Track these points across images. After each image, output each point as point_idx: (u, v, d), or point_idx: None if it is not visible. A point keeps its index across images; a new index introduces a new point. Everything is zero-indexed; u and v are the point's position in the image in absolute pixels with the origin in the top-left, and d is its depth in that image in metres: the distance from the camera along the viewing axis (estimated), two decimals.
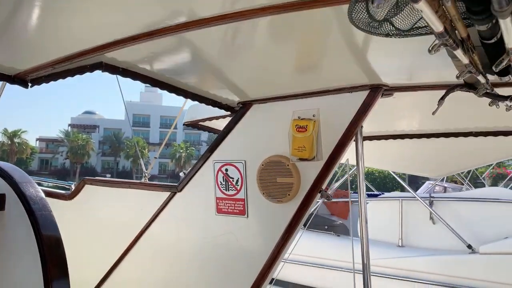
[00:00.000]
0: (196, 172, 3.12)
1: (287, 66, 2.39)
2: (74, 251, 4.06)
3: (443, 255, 6.09)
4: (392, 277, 6.15)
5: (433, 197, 6.67)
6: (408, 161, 5.82)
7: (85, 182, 3.72)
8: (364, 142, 2.70)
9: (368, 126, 2.79)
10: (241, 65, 2.43)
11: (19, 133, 65.64)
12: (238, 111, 2.96)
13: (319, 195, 2.66)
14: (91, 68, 2.22)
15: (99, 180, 3.71)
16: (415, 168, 6.73)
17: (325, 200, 2.61)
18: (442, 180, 10.80)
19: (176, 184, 3.26)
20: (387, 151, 4.57)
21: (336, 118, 2.58)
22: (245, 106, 2.91)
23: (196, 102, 3.15)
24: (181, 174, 11.68)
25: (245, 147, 2.93)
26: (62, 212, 3.96)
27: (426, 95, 2.55)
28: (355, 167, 2.78)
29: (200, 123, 3.92)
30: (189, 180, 3.16)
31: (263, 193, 2.77)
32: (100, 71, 2.22)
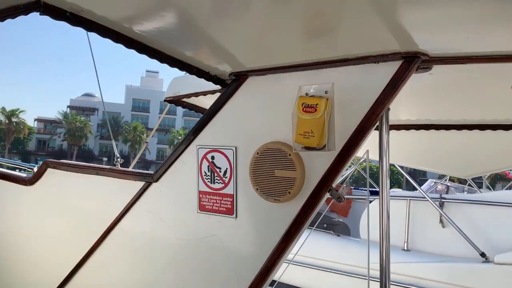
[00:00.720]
0: (176, 159, 2.54)
1: (293, 27, 1.80)
2: (30, 247, 3.50)
3: (453, 262, 5.52)
4: (396, 283, 5.59)
5: (444, 199, 6.09)
6: (433, 157, 5.11)
7: (48, 165, 3.13)
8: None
9: (392, 111, 2.19)
10: (234, 24, 1.84)
11: (17, 112, 64.97)
12: (229, 85, 2.36)
13: (327, 194, 2.08)
14: (26, 8, 1.63)
15: (63, 164, 3.11)
16: (440, 166, 5.98)
17: (336, 201, 2.01)
18: (444, 178, 10.19)
19: (152, 172, 2.68)
20: (405, 143, 3.96)
21: (356, 96, 1.99)
22: (239, 78, 2.32)
23: (181, 74, 2.56)
24: None
25: (237, 130, 2.34)
26: (19, 199, 3.39)
27: (476, 70, 1.96)
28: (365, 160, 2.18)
29: (184, 99, 3.26)
30: (167, 168, 2.57)
31: (257, 189, 2.20)
32: (38, 13, 1.62)
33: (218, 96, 2.40)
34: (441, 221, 5.94)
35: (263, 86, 2.27)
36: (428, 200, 5.88)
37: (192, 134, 2.47)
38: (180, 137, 69.91)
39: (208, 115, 2.42)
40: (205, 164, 2.43)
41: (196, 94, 3.00)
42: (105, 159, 64.74)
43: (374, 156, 2.39)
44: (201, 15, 1.79)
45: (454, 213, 5.84)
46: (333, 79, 2.04)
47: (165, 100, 3.35)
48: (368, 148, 2.37)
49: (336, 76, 2.04)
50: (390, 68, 1.91)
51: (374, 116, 1.93)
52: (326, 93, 2.04)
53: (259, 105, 2.28)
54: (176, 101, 3.31)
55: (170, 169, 2.57)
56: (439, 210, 5.82)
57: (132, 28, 1.89)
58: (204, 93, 2.93)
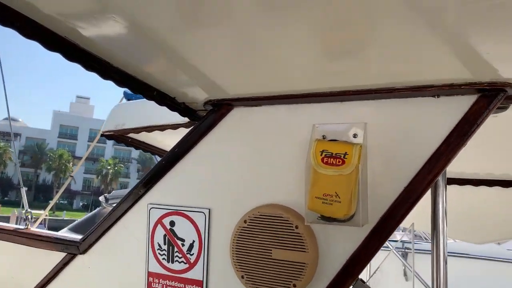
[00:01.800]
0: (115, 222, 1.73)
1: (306, 39, 1.13)
2: None
3: None
4: None
5: (408, 249, 5.61)
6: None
7: None
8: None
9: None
10: (216, 31, 1.13)
11: None
12: (204, 118, 1.62)
13: None
14: None
15: None
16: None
17: None
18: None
19: (77, 239, 1.83)
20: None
21: (402, 143, 1.34)
22: (219, 109, 1.58)
23: (125, 101, 1.79)
24: (101, 199, 9.39)
25: (213, 183, 1.60)
26: None
27: None
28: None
29: (131, 134, 2.38)
30: (100, 235, 1.75)
31: (242, 277, 1.45)
32: None
33: (186, 133, 1.63)
34: (405, 274, 5.44)
35: (256, 122, 1.55)
36: (391, 250, 5.36)
37: (142, 187, 1.68)
38: (109, 167, 66.81)
39: (169, 159, 1.64)
40: (159, 232, 1.64)
41: (150, 129, 2.13)
42: (25, 188, 59.95)
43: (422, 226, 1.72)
44: (165, 19, 1.07)
45: (419, 264, 5.32)
46: (365, 117, 1.37)
47: (103, 135, 2.43)
48: (414, 219, 1.70)
49: (370, 113, 1.38)
50: (457, 105, 1.27)
51: (432, 175, 1.27)
52: (355, 137, 1.36)
53: (249, 149, 1.56)
54: (119, 136, 2.42)
55: (104, 237, 1.75)
56: (403, 261, 5.29)
57: (59, 19, 1.11)
58: (162, 128, 2.10)
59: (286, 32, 1.09)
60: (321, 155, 1.33)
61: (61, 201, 65.11)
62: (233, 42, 1.19)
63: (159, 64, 1.40)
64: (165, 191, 1.65)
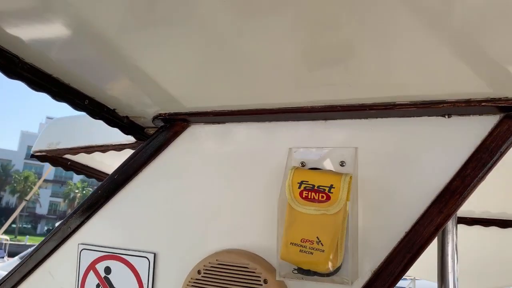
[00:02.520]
0: (36, 267, 1.36)
1: (281, 42, 0.84)
2: None
3: None
4: None
5: None
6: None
7: None
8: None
9: None
10: (169, 31, 0.84)
11: None
12: (152, 136, 1.29)
13: None
14: None
15: None
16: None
17: None
18: None
19: None
20: None
21: (404, 175, 1.04)
22: (172, 125, 1.26)
23: (62, 116, 1.47)
24: None
25: (160, 221, 1.26)
26: None
27: None
28: None
29: (68, 155, 1.93)
30: (16, 285, 1.37)
31: None
32: None
33: (129, 155, 1.30)
34: None
35: (217, 143, 1.23)
36: None
37: (72, 222, 1.33)
38: (77, 191, 64.78)
39: (106, 188, 1.30)
40: (91, 281, 1.28)
41: (89, 149, 1.73)
42: None
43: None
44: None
45: None
46: (355, 140, 1.08)
47: (32, 156, 2.02)
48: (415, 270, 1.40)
49: (362, 135, 1.08)
50: (474, 128, 0.99)
51: (441, 217, 0.98)
52: (342, 165, 1.07)
53: (207, 177, 1.23)
54: (54, 158, 2.02)
55: (23, 286, 1.37)
56: None
57: None
58: (104, 149, 1.74)
59: (257, 30, 0.80)
60: (299, 187, 1.03)
61: (24, 225, 62.56)
62: (192, 42, 0.89)
63: (92, 65, 1.07)
64: (100, 229, 1.31)
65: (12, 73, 0.95)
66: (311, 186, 1.02)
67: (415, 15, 0.72)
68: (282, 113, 1.13)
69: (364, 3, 0.69)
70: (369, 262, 1.02)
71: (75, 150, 1.74)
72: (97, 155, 1.76)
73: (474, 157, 0.97)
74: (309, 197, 1.01)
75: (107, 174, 2.28)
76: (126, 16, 0.82)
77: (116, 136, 1.48)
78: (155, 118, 1.26)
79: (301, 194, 1.02)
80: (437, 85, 0.97)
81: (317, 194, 1.01)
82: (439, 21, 0.72)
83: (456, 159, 0.99)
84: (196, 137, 1.25)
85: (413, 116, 1.04)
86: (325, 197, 1.00)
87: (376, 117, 1.07)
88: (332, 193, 0.99)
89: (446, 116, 1.01)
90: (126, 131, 1.33)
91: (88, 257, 1.30)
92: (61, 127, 1.93)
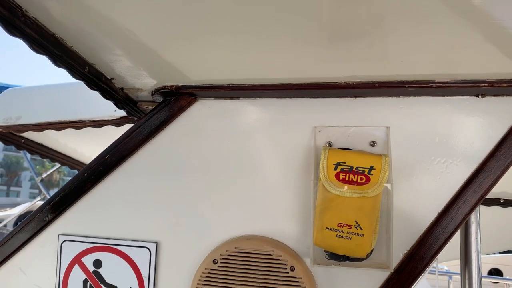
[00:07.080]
0: (3, 262, 1.15)
1: (304, 9, 0.75)
2: None
3: None
4: None
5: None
6: None
7: None
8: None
9: None
10: None
11: None
12: (152, 112, 1.13)
13: None
14: None
15: None
16: None
17: None
18: None
19: None
20: None
21: (436, 156, 1.02)
22: (176, 100, 1.11)
23: (23, 83, 1.22)
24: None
25: (163, 206, 1.12)
26: None
27: None
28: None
29: (28, 134, 1.71)
30: None
31: None
32: None
33: (125, 133, 1.13)
34: None
35: (230, 120, 1.11)
36: None
37: (50, 211, 1.14)
38: None
39: (95, 171, 1.13)
40: (76, 276, 1.11)
41: (59, 125, 1.43)
42: None
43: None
44: None
45: None
46: (387, 118, 1.03)
47: None
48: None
49: (393, 114, 1.04)
50: (508, 107, 0.99)
51: (476, 197, 0.97)
52: (372, 145, 1.02)
53: (216, 156, 1.11)
54: (7, 135, 1.71)
55: None
56: None
57: None
58: (79, 125, 1.45)
59: None
60: (335, 169, 0.96)
61: None
62: (202, 5, 0.76)
63: (94, 29, 0.89)
64: (87, 217, 1.13)
65: (14, 28, 0.76)
66: (348, 167, 0.95)
67: None
68: (306, 89, 1.05)
69: None
70: (401, 245, 0.99)
71: (41, 126, 1.46)
72: (64, 135, 1.51)
73: (508, 136, 0.98)
74: (347, 179, 0.95)
75: (74, 159, 2.03)
76: None
77: (94, 111, 1.29)
78: (155, 91, 1.11)
79: (337, 176, 0.95)
80: (477, 65, 0.95)
81: (356, 176, 0.95)
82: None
83: (490, 139, 0.99)
84: (204, 113, 1.12)
85: (447, 96, 1.01)
86: (364, 179, 0.94)
87: (409, 95, 1.03)
88: (372, 174, 0.94)
89: (480, 96, 1.00)
90: (119, 104, 1.15)
91: (72, 250, 1.12)
92: (19, 99, 1.61)
